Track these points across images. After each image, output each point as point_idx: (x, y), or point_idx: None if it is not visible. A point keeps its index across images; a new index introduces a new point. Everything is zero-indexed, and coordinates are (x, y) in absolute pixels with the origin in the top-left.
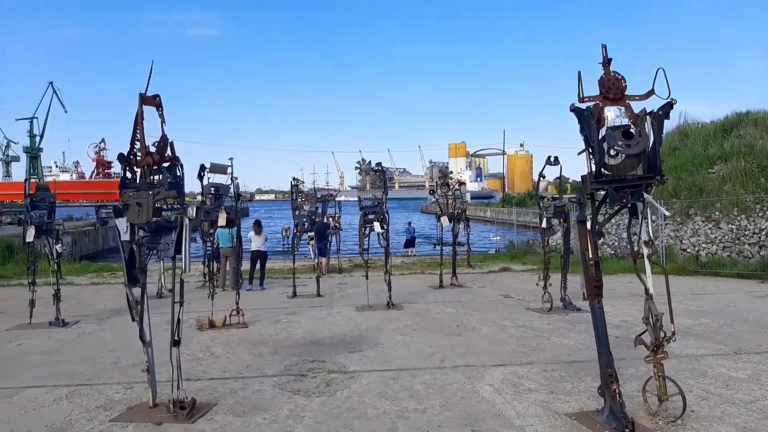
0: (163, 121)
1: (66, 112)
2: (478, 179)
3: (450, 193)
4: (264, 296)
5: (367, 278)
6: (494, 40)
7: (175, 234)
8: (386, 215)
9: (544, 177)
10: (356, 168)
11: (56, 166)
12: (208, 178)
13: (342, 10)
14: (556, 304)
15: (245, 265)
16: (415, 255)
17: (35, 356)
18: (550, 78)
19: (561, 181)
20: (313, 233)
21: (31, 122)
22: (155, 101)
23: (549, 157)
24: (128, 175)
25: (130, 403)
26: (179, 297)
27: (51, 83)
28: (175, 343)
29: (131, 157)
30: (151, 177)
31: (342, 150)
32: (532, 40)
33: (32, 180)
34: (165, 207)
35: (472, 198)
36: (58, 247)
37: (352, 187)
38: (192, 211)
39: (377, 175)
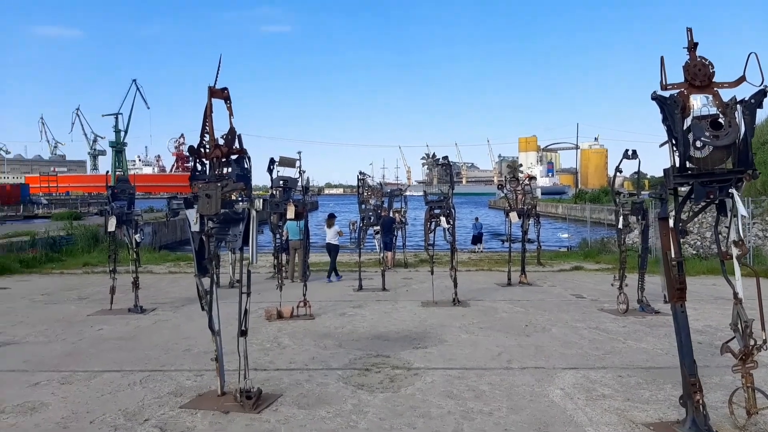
0: (231, 114)
1: (148, 108)
2: (550, 174)
3: (519, 188)
4: (330, 289)
5: (432, 274)
6: (566, 28)
7: (243, 226)
8: (452, 210)
9: (620, 172)
10: (422, 162)
11: (139, 160)
12: (277, 171)
13: (410, 5)
14: (632, 305)
15: (312, 258)
16: (482, 251)
17: (113, 341)
18: (627, 68)
19: (639, 176)
20: (378, 227)
21: (117, 118)
22: (224, 94)
23: (626, 150)
24: (198, 167)
25: (199, 390)
26: (246, 288)
27: (135, 80)
28: (242, 333)
29: (201, 149)
30: (220, 169)
31: (409, 144)
32: (608, 27)
33: (117, 173)
34: (235, 199)
35: (542, 194)
36: (137, 236)
37: (418, 182)
38: (259, 204)
39: (443, 169)
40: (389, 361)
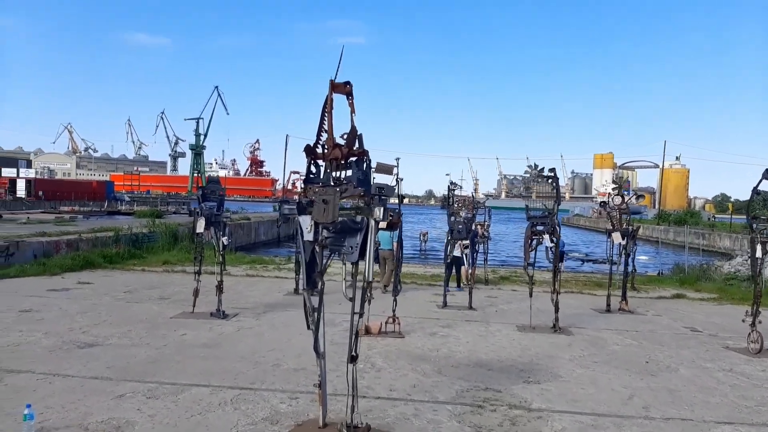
0: (353, 111)
1: (228, 113)
2: (627, 194)
3: (624, 206)
4: (413, 303)
5: (531, 296)
6: (645, 44)
7: (361, 236)
8: (557, 227)
9: (758, 194)
10: (525, 172)
11: (216, 163)
12: (373, 178)
13: (482, 16)
14: (765, 344)
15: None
16: (563, 271)
17: (198, 349)
18: (710, 84)
19: None
20: (468, 242)
21: (198, 122)
22: (346, 89)
23: (767, 170)
24: (312, 169)
25: (296, 417)
26: (360, 307)
27: (216, 87)
28: (352, 359)
29: (317, 148)
30: (338, 171)
31: (477, 156)
32: (687, 42)
33: (195, 174)
34: (354, 206)
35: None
36: (224, 239)
37: (485, 195)
38: (379, 212)
39: (549, 183)
40: (502, 397)
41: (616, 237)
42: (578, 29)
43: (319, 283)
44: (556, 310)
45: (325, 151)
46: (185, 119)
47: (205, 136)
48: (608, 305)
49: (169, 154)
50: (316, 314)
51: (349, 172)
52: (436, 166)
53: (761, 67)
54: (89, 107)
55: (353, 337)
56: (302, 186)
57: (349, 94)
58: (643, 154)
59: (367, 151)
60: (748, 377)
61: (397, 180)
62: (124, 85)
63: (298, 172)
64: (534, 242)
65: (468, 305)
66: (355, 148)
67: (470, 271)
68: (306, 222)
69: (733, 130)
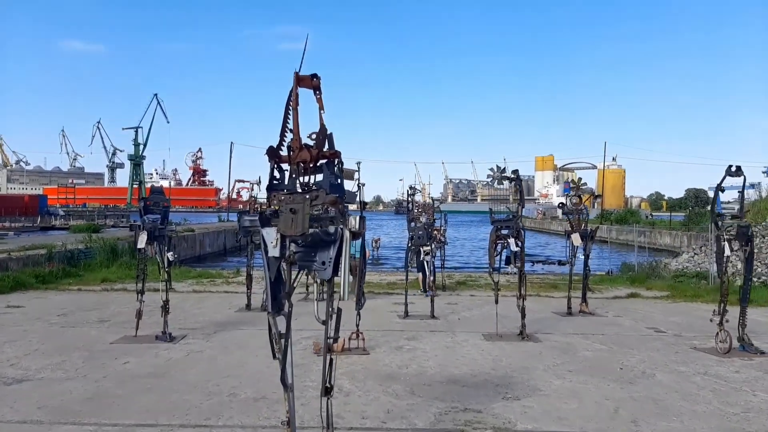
0: (321, 108)
1: (168, 122)
2: (567, 194)
3: (582, 206)
4: (374, 314)
5: (497, 303)
6: (580, 49)
7: (335, 250)
8: (521, 231)
9: (723, 190)
10: (488, 175)
11: (156, 173)
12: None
13: (427, 23)
14: (733, 343)
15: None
16: (512, 273)
17: (143, 380)
18: (642, 84)
19: (743, 196)
20: (429, 248)
21: (136, 131)
22: (313, 82)
23: (729, 167)
24: (276, 174)
25: None
26: (334, 332)
27: (156, 95)
28: (327, 391)
29: (281, 150)
30: (306, 177)
31: (424, 161)
32: (620, 45)
33: (135, 186)
34: (324, 215)
35: (563, 214)
36: (170, 255)
37: (434, 199)
38: (356, 222)
39: (514, 185)
40: (484, 418)
41: (575, 239)
42: (518, 34)
43: (287, 305)
44: (523, 316)
45: (291, 153)
46: (123, 128)
47: (145, 145)
48: (569, 308)
49: (107, 165)
50: (283, 341)
51: (319, 177)
52: (382, 171)
53: (690, 68)
54: (20, 118)
55: (327, 365)
56: (252, 196)
57: (317, 89)
58: (581, 155)
59: (340, 153)
60: (725, 380)
61: (358, 185)
62: (57, 95)
63: (243, 181)
64: (499, 246)
65: (430, 314)
66: (325, 150)
67: (431, 278)
68: (271, 235)
69: (664, 130)
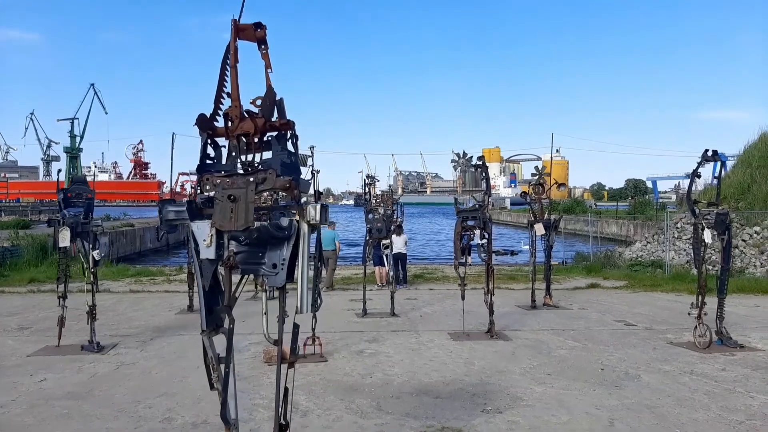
0: (268, 66)
1: (106, 113)
2: (513, 185)
3: (545, 196)
4: (329, 313)
5: (463, 299)
6: (522, 42)
7: (289, 248)
8: (488, 222)
9: (699, 177)
10: (452, 162)
11: (95, 167)
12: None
13: (376, 15)
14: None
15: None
16: (471, 264)
17: (59, 402)
18: (582, 76)
19: (720, 182)
20: (389, 241)
21: (72, 123)
22: (257, 34)
23: (705, 151)
24: (210, 151)
25: None
26: (292, 354)
27: (92, 85)
28: (281, 429)
29: (216, 119)
30: (251, 154)
31: (373, 152)
32: (562, 39)
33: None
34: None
35: (511, 204)
36: (95, 253)
37: (382, 191)
38: (315, 212)
39: (479, 173)
40: None
41: (539, 228)
42: (467, 30)
43: (227, 322)
44: (491, 312)
45: (230, 123)
46: (58, 120)
47: (82, 137)
48: (533, 301)
49: (42, 159)
50: (223, 367)
51: (268, 155)
52: (332, 163)
53: (630, 61)
54: None
55: (280, 399)
56: (195, 181)
57: (262, 42)
58: (526, 147)
59: (293, 123)
60: (714, 380)
61: (312, 173)
62: None
63: (187, 173)
64: (465, 239)
65: (390, 311)
66: (274, 119)
67: (392, 273)
68: (203, 231)
69: (604, 122)
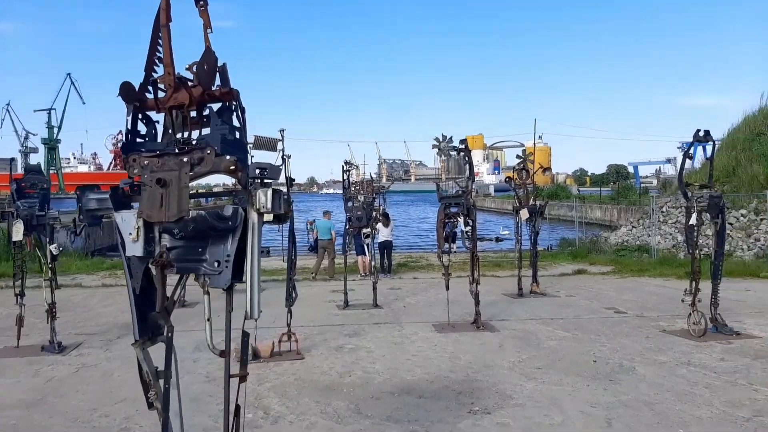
0: (207, 25)
1: (84, 103)
2: (496, 172)
3: (530, 181)
4: (309, 305)
5: (447, 289)
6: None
7: (234, 242)
8: (472, 208)
9: (691, 158)
10: (434, 145)
11: (74, 158)
12: (251, 156)
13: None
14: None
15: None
16: (455, 251)
17: (9, 411)
18: (567, 64)
19: (712, 164)
20: (369, 230)
21: (49, 113)
22: None
23: (697, 131)
24: (141, 128)
25: None
26: (241, 368)
27: (69, 74)
28: None
29: (146, 90)
30: (187, 130)
31: (357, 140)
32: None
33: (52, 171)
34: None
35: (495, 191)
36: (52, 247)
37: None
38: (266, 198)
39: (462, 157)
40: None
41: (524, 214)
42: (450, 16)
43: (166, 330)
44: (477, 302)
45: (163, 94)
46: (35, 111)
47: (59, 128)
48: (520, 289)
49: (19, 150)
50: (162, 384)
51: (207, 131)
52: (316, 151)
53: (611, 47)
54: None
55: (230, 420)
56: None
57: None
58: (509, 134)
59: (237, 92)
60: (714, 371)
61: (283, 157)
62: None
63: None
64: (448, 227)
65: (373, 302)
66: (215, 88)
67: (374, 263)
68: (129, 223)
69: (586, 108)
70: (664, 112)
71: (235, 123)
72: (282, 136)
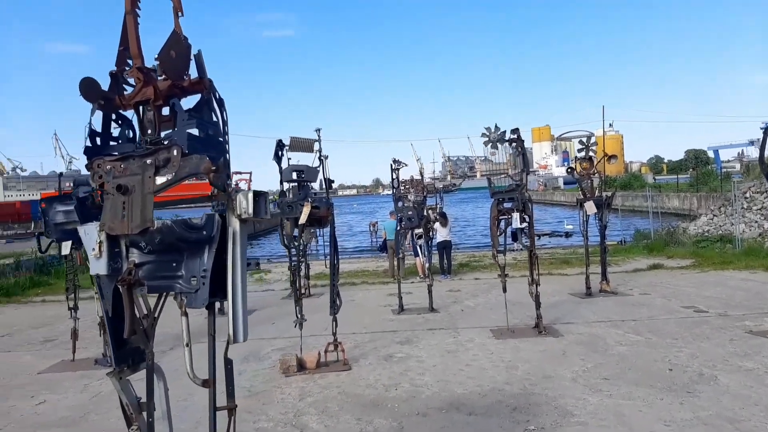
0: (177, 8)
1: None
2: (566, 163)
3: (593, 170)
4: (363, 310)
5: (505, 291)
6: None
7: (210, 255)
8: (529, 203)
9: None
10: (483, 135)
11: None
12: (288, 158)
13: (409, 2)
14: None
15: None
16: (519, 249)
17: (49, 429)
18: (634, 46)
19: None
20: (422, 230)
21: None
22: None
23: None
24: (113, 130)
25: None
26: (228, 400)
27: None
28: None
29: (114, 84)
30: (156, 127)
31: (420, 139)
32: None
33: None
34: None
35: (564, 183)
36: None
37: (432, 178)
38: (247, 203)
39: (514, 148)
40: None
41: (589, 207)
42: (508, 8)
43: (149, 357)
44: (538, 305)
45: (132, 88)
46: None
47: None
48: (588, 288)
49: (64, 173)
50: (145, 415)
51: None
52: (380, 153)
53: (685, 26)
54: (12, 125)
55: None
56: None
57: None
58: (577, 123)
59: (210, 81)
60: None
61: (320, 158)
62: (48, 98)
63: (240, 173)
64: (503, 223)
65: (429, 307)
66: (187, 78)
67: (427, 264)
68: (92, 236)
69: (660, 92)
70: (746, 91)
71: (214, 118)
72: (318, 137)
